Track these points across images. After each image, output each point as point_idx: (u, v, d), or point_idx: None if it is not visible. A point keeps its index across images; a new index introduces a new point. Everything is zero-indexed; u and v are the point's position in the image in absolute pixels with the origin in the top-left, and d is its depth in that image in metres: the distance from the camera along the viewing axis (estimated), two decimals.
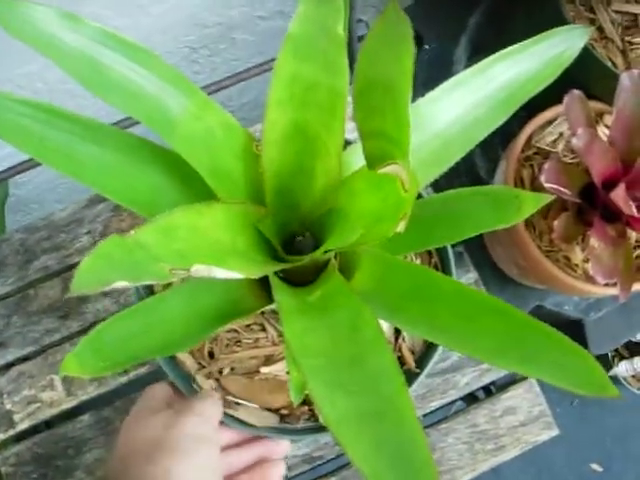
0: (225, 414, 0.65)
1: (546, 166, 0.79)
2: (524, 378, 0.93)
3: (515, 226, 0.86)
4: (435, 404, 0.90)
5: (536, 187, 0.88)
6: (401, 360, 0.70)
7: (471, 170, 1.10)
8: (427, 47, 1.10)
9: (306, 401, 0.67)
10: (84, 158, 0.55)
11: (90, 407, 0.91)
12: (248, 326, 0.70)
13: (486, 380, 0.91)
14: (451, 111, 0.59)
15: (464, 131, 0.60)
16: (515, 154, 0.89)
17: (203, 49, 1.15)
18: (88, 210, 0.95)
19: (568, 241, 0.83)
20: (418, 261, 0.74)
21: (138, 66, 0.54)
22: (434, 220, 0.60)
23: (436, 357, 0.68)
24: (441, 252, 0.73)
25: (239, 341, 0.70)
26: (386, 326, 0.70)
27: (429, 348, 0.69)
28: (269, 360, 0.69)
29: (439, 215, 0.60)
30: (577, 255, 0.88)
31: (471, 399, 0.93)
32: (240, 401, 0.67)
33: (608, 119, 0.92)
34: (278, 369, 0.68)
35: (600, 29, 0.95)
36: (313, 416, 0.68)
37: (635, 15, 0.97)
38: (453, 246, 0.89)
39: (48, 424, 0.91)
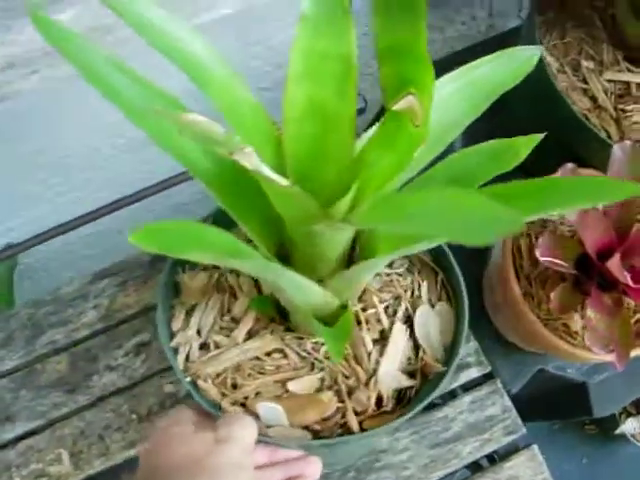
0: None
1: (540, 241, 0.80)
2: (527, 446, 0.93)
3: (514, 296, 0.87)
4: (439, 474, 0.91)
5: (533, 258, 0.89)
6: (427, 369, 0.72)
7: None
8: None
9: (338, 409, 0.69)
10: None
11: None
12: (269, 354, 0.72)
13: (488, 449, 0.92)
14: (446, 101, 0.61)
15: (457, 119, 0.62)
16: None
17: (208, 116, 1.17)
18: (93, 285, 0.97)
19: (565, 312, 0.84)
20: (425, 282, 0.77)
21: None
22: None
23: (460, 353, 0.71)
24: (444, 268, 0.77)
25: (262, 368, 0.71)
26: (404, 342, 0.73)
27: (452, 348, 0.73)
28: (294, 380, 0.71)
29: (447, 178, 0.62)
30: (576, 323, 0.89)
31: (475, 467, 0.94)
32: (270, 423, 0.69)
33: None
34: (305, 386, 0.70)
35: (593, 99, 0.97)
36: (345, 426, 0.69)
37: (628, 83, 0.99)
38: None
39: None
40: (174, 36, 0.55)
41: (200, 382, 0.70)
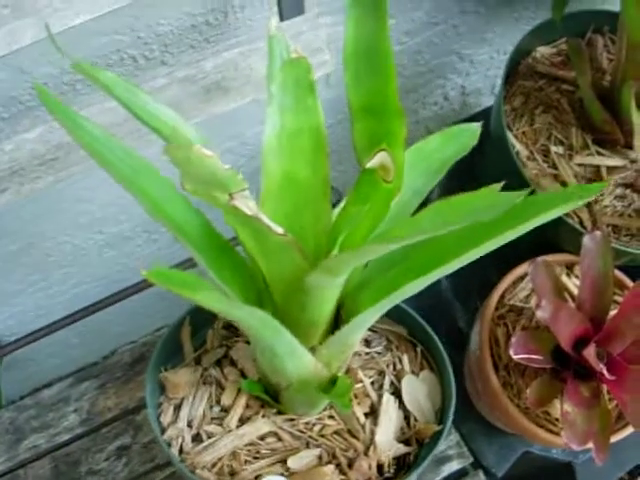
0: None
1: (513, 340, 0.81)
2: None
3: (492, 387, 0.88)
4: None
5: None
6: (421, 435, 0.74)
7: (451, 320, 1.12)
8: None
9: None
10: None
11: None
12: (263, 438, 0.73)
13: None
14: None
15: None
16: (489, 314, 0.91)
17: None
18: (74, 388, 0.98)
19: (543, 405, 0.84)
20: (405, 356, 0.79)
21: None
22: None
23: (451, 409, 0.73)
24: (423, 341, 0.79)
25: (258, 452, 0.72)
26: (395, 412, 0.74)
27: (443, 411, 0.75)
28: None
29: None
30: (556, 409, 0.89)
31: None
32: None
33: (579, 270, 0.94)
34: (305, 462, 0.71)
35: (564, 184, 0.98)
36: None
37: (597, 167, 1.00)
38: None
39: None
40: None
41: (198, 471, 0.70)
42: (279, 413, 0.73)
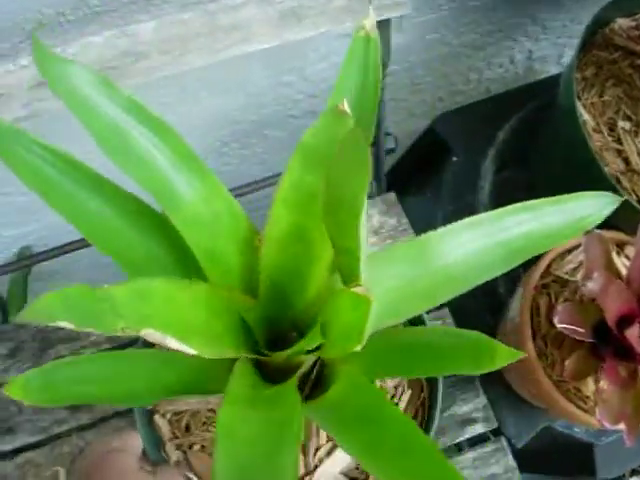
0: None
1: (560, 308, 0.79)
2: None
3: (528, 354, 0.86)
4: None
5: (551, 317, 0.88)
6: None
7: (491, 285, 1.10)
8: (455, 159, 1.11)
9: None
10: (88, 210, 0.57)
11: None
12: None
13: None
14: (459, 251, 0.59)
15: (468, 272, 0.60)
16: (533, 282, 0.89)
17: (234, 142, 1.17)
18: None
19: (579, 379, 0.83)
20: (409, 392, 0.75)
21: (159, 141, 0.56)
22: (415, 351, 0.60)
23: None
24: (432, 385, 0.74)
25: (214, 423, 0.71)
26: None
27: None
28: None
29: (420, 348, 0.60)
30: (589, 387, 0.87)
31: None
32: None
33: (630, 250, 0.92)
34: None
35: (627, 161, 0.96)
36: None
37: None
38: None
39: None
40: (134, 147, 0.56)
41: (156, 417, 0.71)
42: None
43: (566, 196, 0.61)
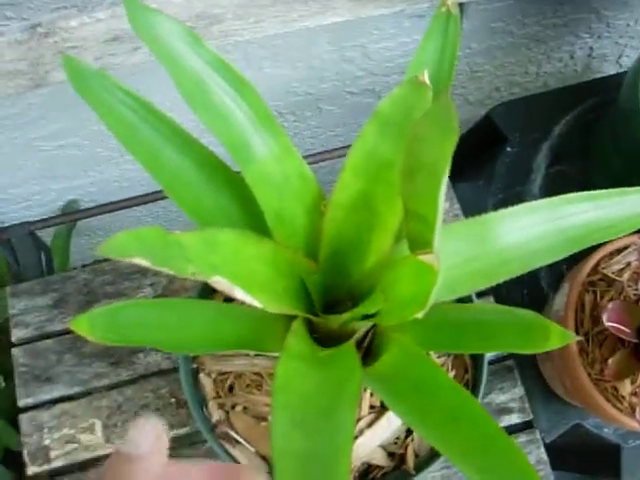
0: (222, 448, 0.68)
1: (610, 306, 0.79)
2: None
3: (569, 349, 0.86)
4: None
5: (595, 315, 0.88)
6: (402, 459, 0.71)
7: (534, 279, 1.10)
8: (509, 150, 1.11)
9: None
10: (164, 159, 0.58)
11: None
12: (271, 374, 0.71)
13: None
14: (518, 233, 0.60)
15: (524, 256, 0.60)
16: (581, 279, 0.89)
17: (289, 114, 1.17)
18: None
19: (619, 378, 0.83)
20: (453, 372, 0.75)
21: (239, 97, 0.57)
22: (466, 327, 0.61)
23: (435, 466, 0.69)
24: (477, 365, 0.74)
25: (260, 385, 0.72)
26: (398, 423, 0.71)
27: (432, 457, 0.70)
28: None
29: (472, 324, 0.61)
30: (626, 387, 0.88)
31: None
32: (241, 440, 0.70)
33: None
34: None
35: None
36: None
37: None
38: (504, 359, 0.90)
39: (82, 466, 0.92)
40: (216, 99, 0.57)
41: (201, 375, 0.71)
42: None
43: (629, 189, 0.61)
